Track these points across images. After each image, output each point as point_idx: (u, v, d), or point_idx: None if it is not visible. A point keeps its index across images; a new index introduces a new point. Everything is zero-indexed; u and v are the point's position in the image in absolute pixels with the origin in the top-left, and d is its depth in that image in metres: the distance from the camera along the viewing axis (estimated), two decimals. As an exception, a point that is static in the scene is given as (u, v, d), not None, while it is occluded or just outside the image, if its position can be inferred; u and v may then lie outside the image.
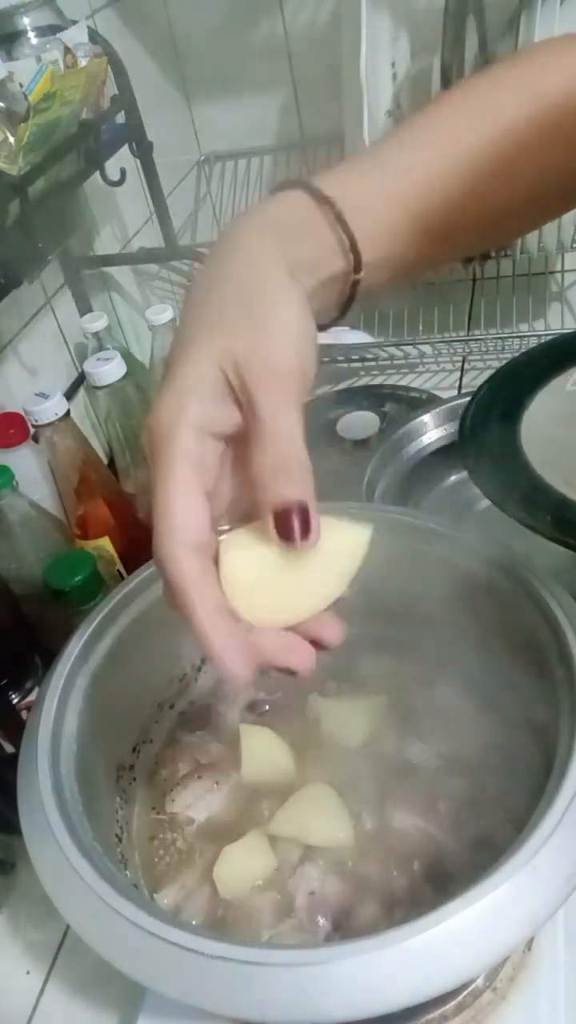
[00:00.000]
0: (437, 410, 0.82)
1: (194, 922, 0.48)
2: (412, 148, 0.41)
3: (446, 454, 0.84)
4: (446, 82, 0.83)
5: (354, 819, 0.51)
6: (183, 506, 0.33)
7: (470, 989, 0.48)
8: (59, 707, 0.49)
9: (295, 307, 0.35)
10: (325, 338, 1.10)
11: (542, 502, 0.51)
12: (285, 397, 0.34)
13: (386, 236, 0.39)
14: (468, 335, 1.01)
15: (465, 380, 1.01)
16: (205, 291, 0.36)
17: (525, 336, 0.99)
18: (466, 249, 0.45)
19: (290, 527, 0.34)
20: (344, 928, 0.46)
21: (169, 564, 0.33)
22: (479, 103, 0.41)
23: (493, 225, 0.44)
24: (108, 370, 0.75)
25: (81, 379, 0.86)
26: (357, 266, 0.38)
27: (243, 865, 0.50)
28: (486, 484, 0.53)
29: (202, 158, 1.16)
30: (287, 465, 0.34)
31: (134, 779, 0.56)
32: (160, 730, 0.60)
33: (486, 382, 0.64)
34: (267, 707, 0.60)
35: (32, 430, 0.69)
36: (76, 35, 0.68)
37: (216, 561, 0.35)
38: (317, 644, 0.37)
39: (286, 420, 0.34)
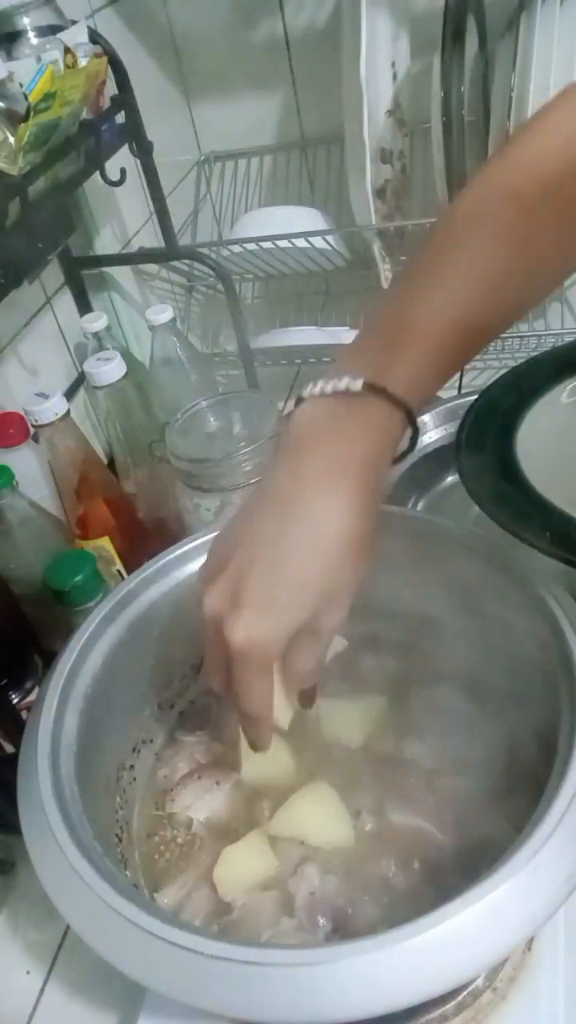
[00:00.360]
0: (437, 410, 0.82)
1: (194, 922, 0.48)
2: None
3: (446, 454, 0.84)
4: (446, 82, 0.83)
5: (354, 819, 0.52)
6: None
7: (470, 989, 0.48)
8: (59, 707, 0.49)
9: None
10: (325, 338, 1.10)
11: (540, 517, 0.51)
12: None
13: (434, 387, 0.45)
14: (468, 335, 1.01)
15: (465, 380, 1.01)
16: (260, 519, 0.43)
17: (525, 336, 1.00)
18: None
19: (309, 700, 0.51)
20: (344, 928, 0.47)
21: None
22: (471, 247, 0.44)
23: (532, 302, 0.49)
24: (108, 370, 0.75)
25: (81, 379, 0.86)
26: (413, 442, 0.45)
27: (243, 866, 0.50)
28: (483, 499, 0.54)
29: (202, 158, 1.16)
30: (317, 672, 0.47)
31: (134, 779, 0.56)
32: (160, 730, 0.60)
33: (484, 391, 0.64)
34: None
35: (32, 430, 0.69)
36: (76, 35, 0.68)
37: None
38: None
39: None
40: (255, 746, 0.48)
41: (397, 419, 0.42)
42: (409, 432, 0.44)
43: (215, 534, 0.48)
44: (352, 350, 0.44)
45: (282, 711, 0.47)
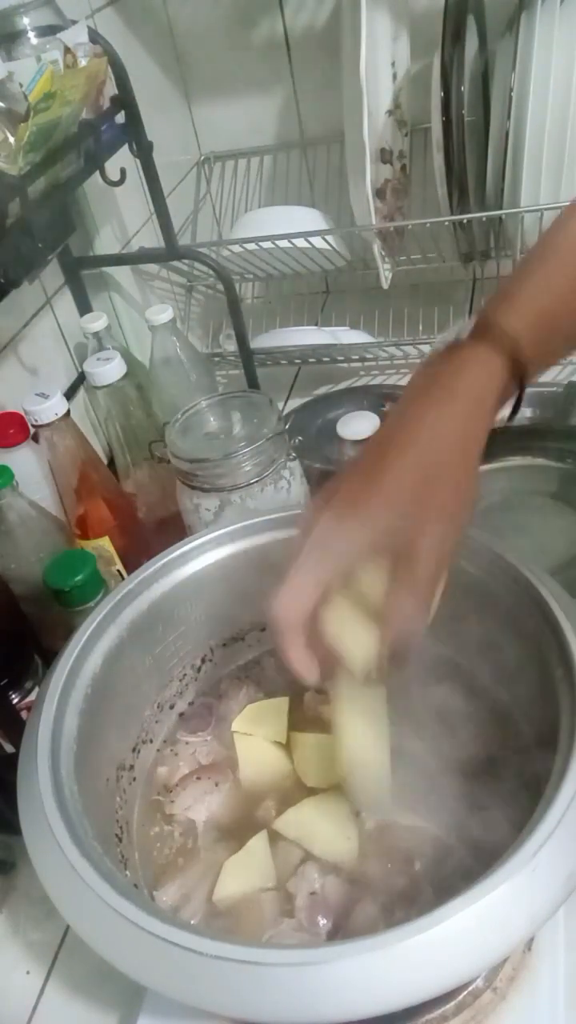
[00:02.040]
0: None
1: (193, 921, 0.48)
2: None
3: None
4: (446, 82, 0.83)
5: (354, 819, 0.51)
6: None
7: (470, 989, 0.48)
8: (59, 707, 0.49)
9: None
10: (325, 338, 1.10)
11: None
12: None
13: (537, 348, 0.45)
14: (468, 335, 1.01)
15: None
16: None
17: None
18: None
19: (402, 655, 0.43)
20: (344, 928, 0.47)
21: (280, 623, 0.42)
22: None
23: None
24: (108, 370, 0.75)
25: (81, 379, 0.86)
26: (520, 396, 0.46)
27: (244, 879, 0.50)
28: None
29: (202, 158, 1.16)
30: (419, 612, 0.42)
31: (134, 779, 0.56)
32: (160, 730, 0.60)
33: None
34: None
35: (32, 430, 0.69)
36: (76, 35, 0.68)
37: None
38: None
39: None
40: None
41: (501, 359, 0.43)
42: (516, 383, 0.44)
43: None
44: (473, 316, 0.46)
45: (359, 649, 0.42)
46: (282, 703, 0.57)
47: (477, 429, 0.42)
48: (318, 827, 0.51)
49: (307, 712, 0.58)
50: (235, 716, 0.59)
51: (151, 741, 0.59)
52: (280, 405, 0.71)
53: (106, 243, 0.92)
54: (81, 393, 0.87)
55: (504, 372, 0.43)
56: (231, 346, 1.03)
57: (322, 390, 1.05)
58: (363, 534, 0.41)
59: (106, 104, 0.73)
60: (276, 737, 0.55)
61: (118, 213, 0.94)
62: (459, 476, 0.42)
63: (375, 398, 0.95)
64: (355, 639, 0.42)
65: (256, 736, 0.56)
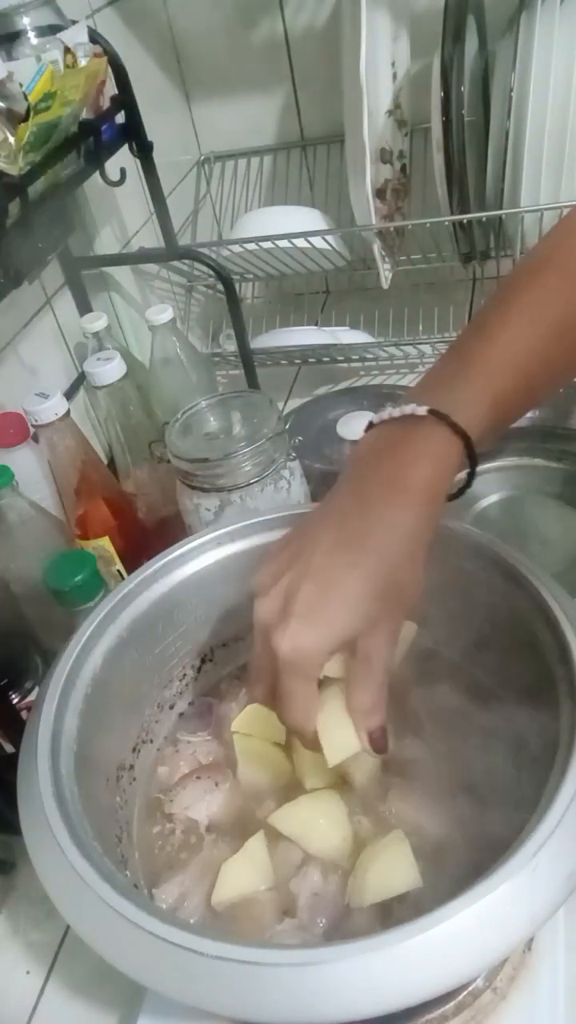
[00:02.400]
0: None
1: (193, 921, 0.48)
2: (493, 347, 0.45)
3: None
4: (446, 82, 0.83)
5: (354, 819, 0.51)
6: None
7: (470, 989, 0.48)
8: (59, 707, 0.49)
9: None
10: (325, 338, 1.10)
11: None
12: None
13: (495, 425, 0.45)
14: (468, 335, 1.01)
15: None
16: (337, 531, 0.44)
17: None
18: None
19: (380, 743, 0.46)
20: (344, 928, 0.46)
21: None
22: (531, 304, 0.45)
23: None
24: (108, 370, 0.75)
25: (81, 379, 0.86)
26: (472, 472, 0.46)
27: (241, 881, 0.49)
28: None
29: (202, 158, 1.16)
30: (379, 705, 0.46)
31: (134, 779, 0.56)
32: (160, 730, 0.60)
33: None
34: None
35: (32, 430, 0.69)
36: (76, 35, 0.68)
37: None
38: None
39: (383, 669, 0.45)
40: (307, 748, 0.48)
41: (457, 448, 0.43)
42: (467, 467, 0.45)
43: (276, 544, 0.49)
44: (420, 384, 0.46)
45: (339, 746, 0.46)
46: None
47: (427, 529, 0.43)
48: (314, 824, 0.51)
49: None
50: (235, 716, 0.59)
51: (151, 741, 0.59)
52: (280, 405, 0.71)
53: (106, 243, 0.92)
54: (81, 393, 0.87)
55: (457, 459, 0.44)
56: (231, 346, 1.03)
57: (322, 390, 1.05)
58: (328, 641, 0.43)
59: (106, 104, 0.73)
60: (276, 738, 0.55)
61: (118, 213, 0.94)
62: (408, 579, 0.44)
63: (375, 398, 0.95)
64: (333, 739, 0.46)
65: (256, 737, 0.56)
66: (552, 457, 0.84)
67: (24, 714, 0.60)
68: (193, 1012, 0.37)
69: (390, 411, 0.44)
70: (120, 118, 0.76)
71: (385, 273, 0.97)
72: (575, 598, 0.49)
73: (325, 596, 0.43)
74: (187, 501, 0.70)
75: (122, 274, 0.96)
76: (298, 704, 0.45)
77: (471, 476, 0.46)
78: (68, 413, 0.68)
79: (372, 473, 0.44)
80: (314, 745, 0.46)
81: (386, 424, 0.45)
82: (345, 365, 1.06)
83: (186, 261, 0.98)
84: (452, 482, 0.45)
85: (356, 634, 0.43)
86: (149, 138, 0.80)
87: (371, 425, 0.46)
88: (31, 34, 0.67)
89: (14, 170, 0.59)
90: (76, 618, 0.58)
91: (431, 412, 0.43)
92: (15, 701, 0.61)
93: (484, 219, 0.92)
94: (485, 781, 0.51)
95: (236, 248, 0.98)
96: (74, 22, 0.71)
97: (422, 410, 0.43)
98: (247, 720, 0.56)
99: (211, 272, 0.89)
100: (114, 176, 0.77)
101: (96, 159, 0.72)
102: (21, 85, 0.58)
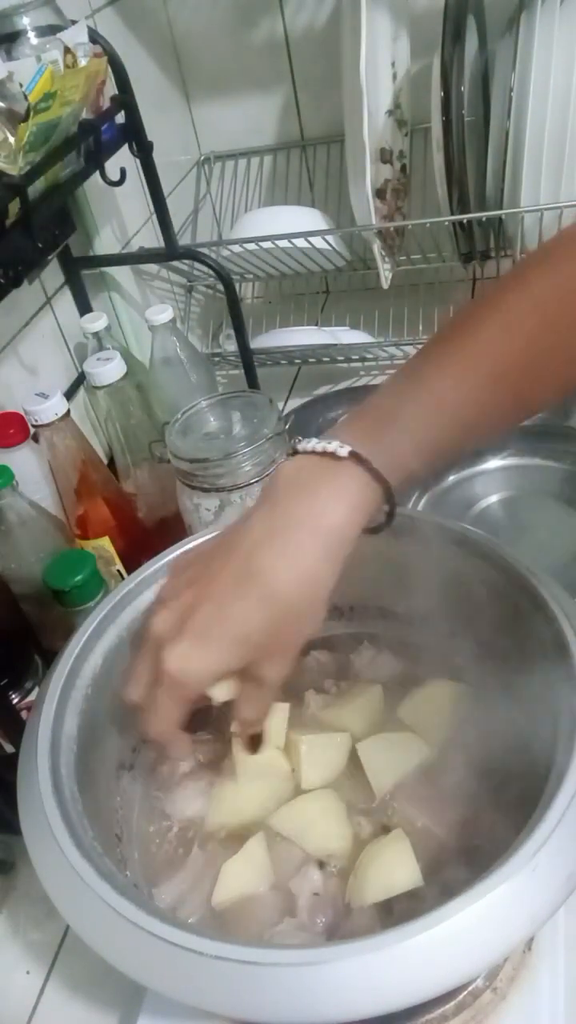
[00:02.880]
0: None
1: (193, 921, 0.48)
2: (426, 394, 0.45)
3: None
4: (446, 82, 0.83)
5: (354, 819, 0.51)
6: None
7: (470, 989, 0.48)
8: (59, 707, 0.49)
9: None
10: (325, 338, 1.10)
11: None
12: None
13: (420, 473, 0.45)
14: (468, 335, 1.01)
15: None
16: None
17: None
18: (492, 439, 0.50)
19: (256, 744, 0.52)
20: (345, 928, 0.46)
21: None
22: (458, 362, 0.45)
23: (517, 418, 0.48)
24: (108, 370, 0.75)
25: (81, 379, 0.86)
26: (391, 513, 0.46)
27: (242, 880, 0.49)
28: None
29: (202, 158, 1.16)
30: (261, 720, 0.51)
31: (134, 779, 0.56)
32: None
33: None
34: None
35: (32, 430, 0.69)
36: (76, 35, 0.68)
37: None
38: None
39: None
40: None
41: (376, 492, 0.44)
42: (386, 508, 0.45)
43: (180, 554, 0.53)
44: (349, 420, 0.46)
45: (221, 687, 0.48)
46: (283, 708, 0.57)
47: (333, 571, 0.44)
48: (313, 823, 0.51)
49: (306, 713, 0.58)
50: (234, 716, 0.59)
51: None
52: (280, 405, 0.71)
53: (106, 243, 0.92)
54: (81, 393, 0.87)
55: (375, 504, 0.44)
56: (231, 346, 1.03)
57: (322, 390, 1.05)
58: (214, 666, 0.45)
59: (106, 104, 0.73)
60: (275, 742, 0.55)
61: (118, 213, 0.94)
62: (306, 617, 0.44)
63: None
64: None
65: (255, 740, 0.56)
66: (552, 457, 0.84)
67: (24, 714, 0.60)
68: (193, 1012, 0.37)
69: (314, 443, 0.44)
70: (120, 118, 0.76)
71: (385, 273, 0.97)
72: (575, 598, 0.49)
73: (220, 622, 0.44)
74: (187, 501, 0.70)
75: (122, 274, 0.96)
76: (164, 717, 0.46)
77: (390, 516, 0.46)
78: (68, 413, 0.68)
79: (286, 508, 0.44)
80: (162, 753, 0.51)
81: (308, 456, 0.45)
82: (345, 365, 1.06)
83: (186, 261, 0.98)
84: (367, 522, 0.45)
85: (245, 663, 0.45)
86: (149, 138, 0.80)
87: (294, 451, 0.46)
88: (31, 34, 0.67)
89: (14, 170, 0.59)
90: (76, 618, 0.58)
91: (352, 455, 0.43)
92: (15, 701, 0.61)
93: (484, 219, 0.92)
94: (485, 781, 0.51)
95: (236, 248, 0.98)
96: (74, 22, 0.70)
97: (344, 451, 0.43)
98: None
99: (211, 272, 0.89)
100: (114, 176, 0.77)
101: (96, 159, 0.72)
102: (21, 85, 0.58)
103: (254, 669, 0.45)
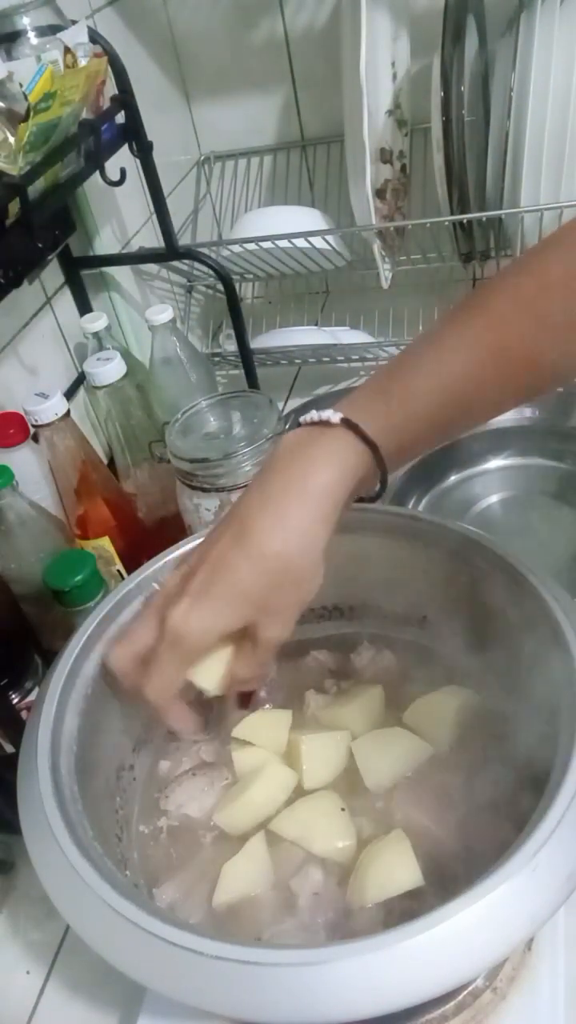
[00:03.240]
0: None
1: (193, 921, 0.48)
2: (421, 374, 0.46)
3: (446, 454, 0.84)
4: (446, 82, 0.83)
5: (354, 819, 0.51)
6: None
7: (470, 989, 0.48)
8: (59, 707, 0.49)
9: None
10: (325, 338, 1.10)
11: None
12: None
13: (410, 445, 0.47)
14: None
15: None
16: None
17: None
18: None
19: (244, 704, 0.56)
20: (345, 928, 0.46)
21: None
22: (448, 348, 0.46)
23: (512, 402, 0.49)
24: (108, 370, 0.75)
25: (81, 379, 0.86)
26: (383, 483, 0.48)
27: (243, 881, 0.49)
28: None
29: (202, 158, 1.16)
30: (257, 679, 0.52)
31: (134, 779, 0.56)
32: (160, 730, 0.60)
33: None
34: (268, 705, 0.60)
35: (32, 430, 0.69)
36: (76, 35, 0.68)
37: None
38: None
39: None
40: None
41: (365, 456, 0.45)
42: (378, 474, 0.47)
43: (184, 552, 0.56)
44: (350, 393, 0.48)
45: (212, 678, 0.50)
46: (285, 715, 0.57)
47: (323, 529, 0.45)
48: (315, 825, 0.51)
49: (306, 713, 0.58)
50: (235, 717, 0.59)
51: (151, 741, 0.59)
52: (280, 405, 0.71)
53: (106, 243, 0.92)
54: (81, 393, 0.87)
55: (364, 467, 0.46)
56: (231, 346, 1.03)
57: (322, 390, 1.05)
58: (214, 623, 0.46)
59: (106, 104, 0.73)
60: (275, 748, 0.55)
61: (118, 213, 0.94)
62: (304, 574, 0.46)
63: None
64: (206, 671, 0.49)
65: (255, 743, 0.56)
66: (552, 457, 0.84)
67: (24, 714, 0.60)
68: (193, 1012, 0.37)
69: (312, 415, 0.46)
70: (120, 118, 0.76)
71: (385, 273, 0.97)
72: (575, 598, 0.49)
73: (218, 581, 0.46)
74: (187, 501, 0.70)
75: (122, 274, 0.96)
76: (165, 675, 0.47)
77: (383, 484, 0.48)
78: (68, 413, 0.68)
79: (278, 475, 0.46)
80: (160, 719, 0.51)
81: (305, 427, 0.47)
82: (345, 365, 1.06)
83: (186, 261, 0.98)
84: (358, 487, 0.47)
85: (245, 622, 0.46)
86: (149, 138, 0.80)
87: (297, 424, 0.48)
88: (31, 34, 0.67)
89: (14, 170, 0.59)
90: (76, 618, 0.58)
91: (343, 421, 0.45)
92: (15, 701, 0.61)
93: (484, 219, 0.92)
94: (485, 781, 0.50)
95: (236, 248, 0.98)
96: (74, 22, 0.71)
97: (336, 417, 0.45)
98: (248, 727, 0.56)
99: (211, 272, 0.89)
100: (114, 176, 0.76)
101: (96, 159, 0.72)
102: (21, 85, 0.58)
103: (252, 630, 0.47)
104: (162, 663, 0.47)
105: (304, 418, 0.47)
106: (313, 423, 0.46)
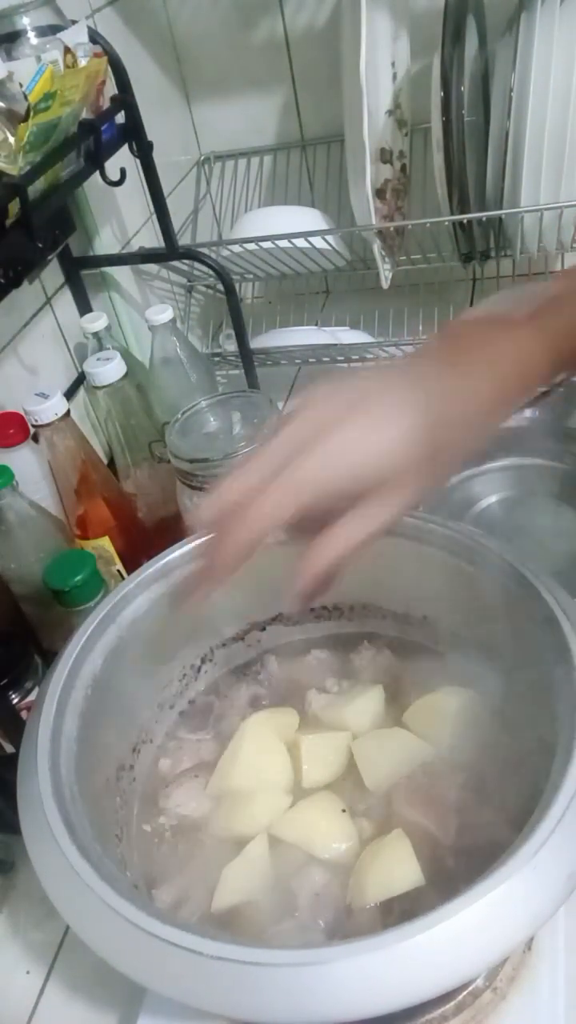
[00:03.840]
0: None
1: (192, 920, 0.48)
2: None
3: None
4: (446, 82, 0.83)
5: (354, 819, 0.51)
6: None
7: (470, 989, 0.48)
8: (59, 707, 0.49)
9: None
10: (325, 338, 1.10)
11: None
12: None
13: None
14: (468, 335, 1.01)
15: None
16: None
17: None
18: None
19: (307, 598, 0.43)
20: (345, 928, 0.46)
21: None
22: None
23: None
24: (108, 370, 0.75)
25: (81, 379, 0.86)
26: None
27: (242, 887, 0.49)
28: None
29: (202, 158, 1.16)
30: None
31: (134, 779, 0.56)
32: (160, 730, 0.60)
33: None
34: (265, 702, 0.60)
35: (32, 430, 0.69)
36: (76, 35, 0.68)
37: None
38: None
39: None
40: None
41: (544, 354, 0.44)
42: (561, 373, 0.45)
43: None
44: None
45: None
46: (290, 715, 0.57)
47: (495, 408, 0.43)
48: (316, 827, 0.51)
49: (307, 713, 0.58)
50: (236, 718, 0.59)
51: (151, 741, 0.59)
52: (280, 405, 0.71)
53: (106, 243, 0.92)
54: (81, 393, 0.87)
55: (545, 367, 0.44)
56: (231, 346, 1.03)
57: (322, 390, 1.04)
58: (382, 448, 0.39)
59: (106, 104, 0.73)
60: (277, 749, 0.55)
61: (118, 213, 0.94)
62: (453, 445, 0.41)
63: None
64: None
65: (256, 743, 0.56)
66: (552, 457, 0.84)
67: (24, 714, 0.60)
68: (193, 1012, 0.37)
69: (489, 306, 0.47)
70: (120, 118, 0.76)
71: (385, 273, 0.97)
72: (575, 598, 0.49)
73: (344, 444, 0.39)
74: (187, 501, 0.70)
75: (122, 274, 0.96)
76: (272, 507, 0.39)
77: (567, 376, 0.46)
78: (68, 413, 0.68)
79: (463, 347, 0.43)
80: (223, 565, 0.41)
81: (486, 317, 0.45)
82: (345, 365, 1.05)
83: (186, 261, 0.98)
84: (537, 380, 0.44)
85: (377, 477, 0.39)
86: (149, 138, 0.80)
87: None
88: (31, 34, 0.67)
89: (14, 170, 0.59)
90: (76, 618, 0.58)
91: (529, 315, 0.44)
92: (15, 701, 0.61)
93: (484, 219, 0.92)
94: (485, 780, 0.51)
95: (236, 248, 0.97)
96: (74, 22, 0.71)
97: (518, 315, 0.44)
98: (251, 726, 0.56)
99: (211, 272, 0.89)
100: (114, 176, 0.77)
101: (96, 159, 0.72)
102: (21, 85, 0.58)
103: (364, 500, 0.40)
104: (280, 491, 0.39)
105: (476, 313, 0.47)
106: (492, 315, 0.45)
